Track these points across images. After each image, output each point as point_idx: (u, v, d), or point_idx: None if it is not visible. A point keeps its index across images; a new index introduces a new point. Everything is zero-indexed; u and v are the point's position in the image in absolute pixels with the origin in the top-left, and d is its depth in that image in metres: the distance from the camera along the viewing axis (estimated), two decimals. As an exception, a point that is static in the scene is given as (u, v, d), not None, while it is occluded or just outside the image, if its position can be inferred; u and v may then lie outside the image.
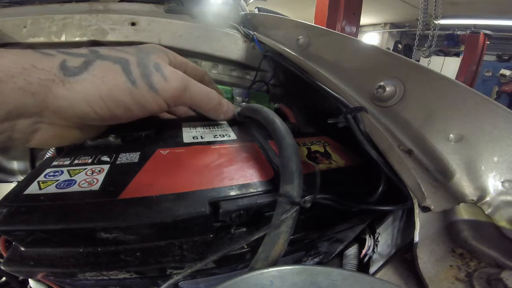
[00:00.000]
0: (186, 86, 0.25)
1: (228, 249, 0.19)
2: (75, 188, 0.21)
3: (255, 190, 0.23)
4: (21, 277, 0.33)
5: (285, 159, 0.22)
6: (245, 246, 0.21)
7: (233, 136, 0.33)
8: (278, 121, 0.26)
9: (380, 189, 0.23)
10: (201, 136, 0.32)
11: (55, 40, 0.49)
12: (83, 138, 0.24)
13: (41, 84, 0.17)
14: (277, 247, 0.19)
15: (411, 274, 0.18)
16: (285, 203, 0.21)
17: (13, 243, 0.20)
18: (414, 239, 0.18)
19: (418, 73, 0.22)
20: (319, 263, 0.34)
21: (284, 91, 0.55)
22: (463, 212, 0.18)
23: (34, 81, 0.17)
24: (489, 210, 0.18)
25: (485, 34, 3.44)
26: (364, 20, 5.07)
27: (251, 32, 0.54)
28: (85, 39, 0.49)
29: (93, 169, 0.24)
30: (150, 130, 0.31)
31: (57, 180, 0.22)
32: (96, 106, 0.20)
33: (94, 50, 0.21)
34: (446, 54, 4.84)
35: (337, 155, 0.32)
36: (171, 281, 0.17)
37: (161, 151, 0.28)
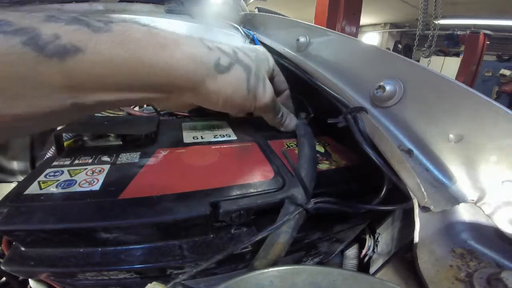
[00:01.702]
0: (273, 101, 0.30)
1: (233, 249, 0.19)
2: (75, 188, 0.21)
3: (255, 190, 0.23)
4: (21, 277, 0.33)
5: (299, 166, 0.24)
6: (249, 246, 0.21)
7: (233, 136, 0.33)
8: (308, 135, 0.30)
9: (384, 189, 0.23)
10: (201, 136, 0.32)
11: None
12: (191, 107, 0.28)
13: (200, 75, 0.23)
14: (277, 247, 0.19)
15: (411, 274, 0.18)
16: (289, 205, 0.21)
17: (14, 243, 0.20)
18: (414, 239, 0.18)
19: (418, 73, 0.22)
20: (319, 263, 0.34)
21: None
22: (463, 212, 0.18)
23: (198, 73, 0.22)
24: (489, 210, 0.18)
25: (485, 34, 3.43)
26: (364, 20, 5.07)
27: (251, 32, 0.54)
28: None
29: (94, 169, 0.24)
30: (150, 130, 0.31)
31: (57, 180, 0.22)
32: (221, 99, 0.25)
33: (235, 51, 0.26)
34: (446, 54, 4.84)
35: (337, 155, 0.32)
36: (176, 280, 0.17)
37: (161, 151, 0.28)
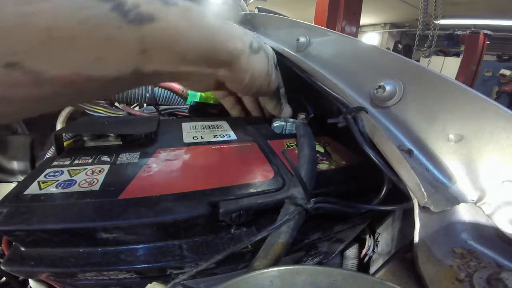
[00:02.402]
0: (278, 92, 0.36)
1: (233, 249, 0.19)
2: (75, 188, 0.21)
3: (255, 190, 0.23)
4: (21, 277, 0.33)
5: (298, 166, 0.25)
6: (249, 246, 0.21)
7: (233, 136, 0.33)
8: (307, 135, 0.31)
9: (384, 189, 0.23)
10: (201, 136, 0.32)
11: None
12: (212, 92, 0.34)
13: (238, 51, 0.26)
14: (277, 247, 0.19)
15: (411, 274, 0.18)
16: (289, 205, 0.21)
17: (14, 243, 0.20)
18: (414, 239, 0.18)
19: (418, 73, 0.22)
20: (319, 263, 0.34)
21: (284, 91, 0.55)
22: (463, 212, 0.18)
23: (239, 48, 0.26)
24: (489, 210, 0.18)
25: (485, 34, 3.43)
26: (364, 20, 5.07)
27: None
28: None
29: (93, 169, 0.24)
30: (150, 130, 0.31)
31: (57, 180, 0.22)
32: (249, 76, 0.28)
33: (259, 36, 0.33)
34: (446, 54, 4.83)
35: (337, 155, 0.32)
36: (176, 280, 0.17)
37: (161, 151, 0.28)
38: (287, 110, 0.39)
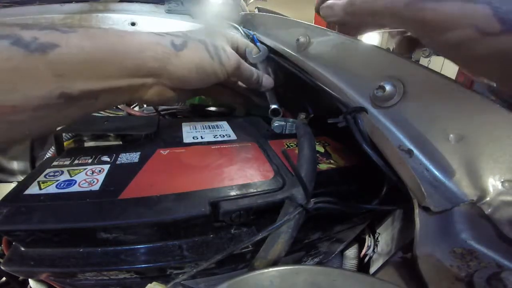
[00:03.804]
0: (239, 64, 0.33)
1: (233, 249, 0.19)
2: (75, 188, 0.21)
3: (255, 190, 0.23)
4: (21, 277, 0.33)
5: (299, 166, 0.24)
6: (249, 246, 0.21)
7: (233, 136, 0.33)
8: (307, 135, 0.30)
9: (384, 189, 0.23)
10: (201, 136, 0.32)
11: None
12: (174, 99, 0.31)
13: (163, 55, 0.25)
14: (277, 247, 0.19)
15: (411, 274, 0.18)
16: (289, 205, 0.21)
17: (14, 243, 0.20)
18: (414, 239, 0.18)
19: (418, 73, 0.22)
20: (319, 263, 0.34)
21: (284, 91, 0.55)
22: (463, 212, 0.18)
23: (160, 52, 0.25)
24: (489, 210, 0.18)
25: (485, 34, 3.43)
26: (364, 20, 5.05)
27: (251, 32, 0.54)
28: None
29: (93, 169, 0.24)
30: (150, 130, 0.31)
31: (57, 180, 0.22)
32: (192, 71, 0.28)
33: (184, 33, 0.29)
34: (446, 54, 4.83)
35: (337, 155, 0.32)
36: (176, 280, 0.17)
37: (161, 151, 0.28)
38: (267, 80, 0.38)
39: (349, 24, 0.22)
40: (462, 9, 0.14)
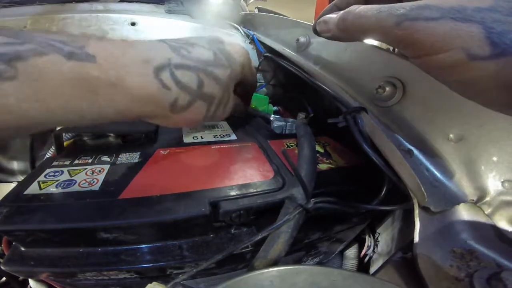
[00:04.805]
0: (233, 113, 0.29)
1: (233, 249, 0.19)
2: (75, 188, 0.21)
3: (255, 190, 0.23)
4: (21, 277, 0.33)
5: (298, 166, 0.25)
6: (249, 246, 0.21)
7: (233, 136, 0.33)
8: (307, 135, 0.30)
9: (384, 189, 0.23)
10: (201, 136, 0.32)
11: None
12: None
13: (150, 114, 0.21)
14: (277, 247, 0.19)
15: (411, 274, 0.18)
16: (289, 205, 0.21)
17: (14, 243, 0.20)
18: (414, 239, 0.18)
19: (418, 73, 0.22)
20: (319, 263, 0.34)
21: (284, 91, 0.55)
22: (463, 212, 0.18)
23: (148, 111, 0.20)
24: (489, 210, 0.18)
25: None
26: (364, 20, 5.05)
27: (251, 32, 0.54)
28: (85, 39, 0.49)
29: (93, 169, 0.24)
30: (150, 130, 0.31)
31: (57, 180, 0.22)
32: (178, 125, 0.24)
33: (201, 83, 0.22)
34: (446, 54, 4.83)
35: (337, 155, 0.32)
36: (176, 280, 0.17)
37: (161, 151, 0.28)
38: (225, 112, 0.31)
39: (343, 40, 0.21)
40: (453, 29, 0.13)
